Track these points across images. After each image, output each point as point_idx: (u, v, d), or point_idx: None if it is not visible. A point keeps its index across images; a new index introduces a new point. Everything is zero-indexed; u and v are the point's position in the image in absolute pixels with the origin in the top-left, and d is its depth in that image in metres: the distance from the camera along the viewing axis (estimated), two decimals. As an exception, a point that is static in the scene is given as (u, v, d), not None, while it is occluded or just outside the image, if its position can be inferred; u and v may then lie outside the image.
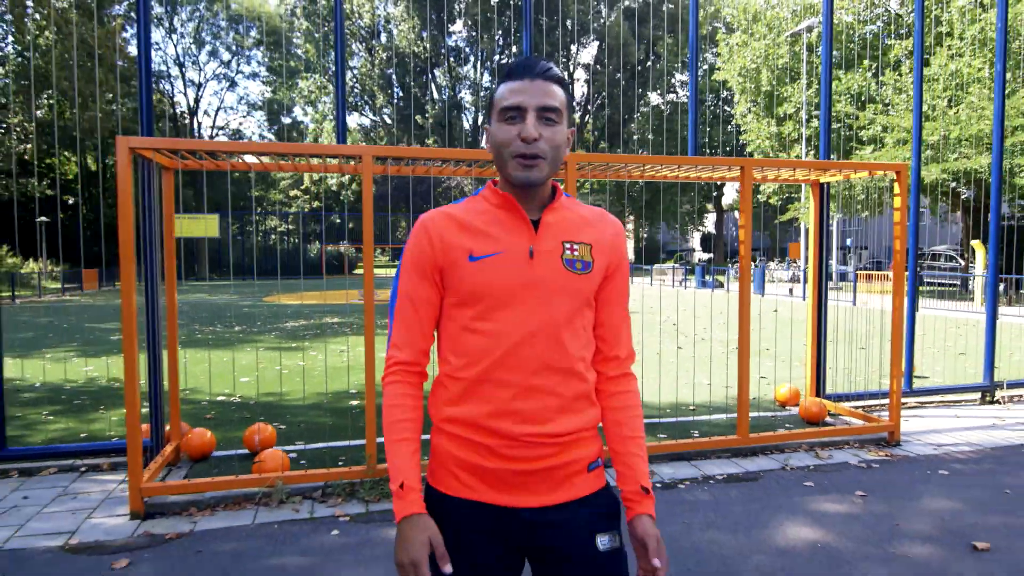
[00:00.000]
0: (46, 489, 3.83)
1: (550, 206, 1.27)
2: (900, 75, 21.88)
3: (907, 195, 4.58)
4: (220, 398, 6.09)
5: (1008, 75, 19.72)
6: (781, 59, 27.98)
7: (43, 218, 31.08)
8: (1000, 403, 5.82)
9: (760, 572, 2.80)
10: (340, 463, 4.11)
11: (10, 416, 5.21)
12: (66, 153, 33.57)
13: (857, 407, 5.32)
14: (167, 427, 4.17)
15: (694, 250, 55.87)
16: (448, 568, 1.12)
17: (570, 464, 1.25)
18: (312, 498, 3.64)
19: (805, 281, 17.39)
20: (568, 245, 1.25)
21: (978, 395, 5.92)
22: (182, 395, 4.91)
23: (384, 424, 1.25)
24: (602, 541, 1.24)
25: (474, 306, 1.23)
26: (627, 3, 45.26)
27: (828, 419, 5.10)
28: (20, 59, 29.43)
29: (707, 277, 26.01)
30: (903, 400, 5.73)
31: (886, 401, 5.24)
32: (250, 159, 4.17)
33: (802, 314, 11.88)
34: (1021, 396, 6.07)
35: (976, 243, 17.94)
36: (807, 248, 5.15)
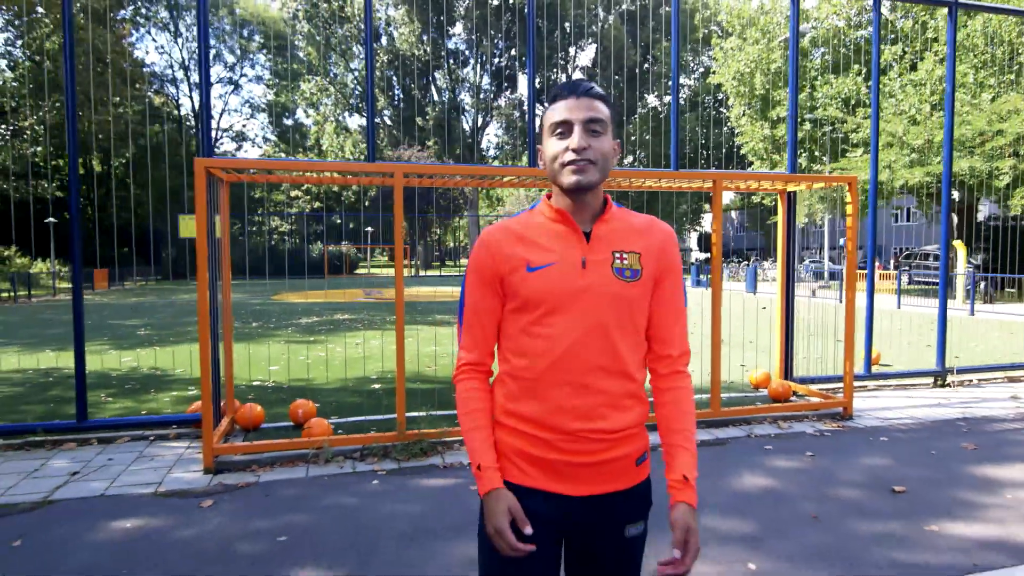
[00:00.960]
0: (125, 453, 4.54)
1: (601, 218, 1.39)
2: (889, 79, 22.56)
3: (858, 203, 5.30)
4: (256, 383, 6.80)
5: (992, 80, 20.43)
6: (774, 63, 28.67)
7: (51, 219, 31.70)
8: (950, 386, 6.54)
9: (718, 507, 3.52)
10: (372, 431, 4.82)
11: (73, 398, 5.93)
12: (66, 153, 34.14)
13: (821, 388, 6.04)
14: (223, 403, 4.88)
15: (691, 250, 56.62)
16: (528, 529, 1.30)
17: (621, 459, 1.37)
18: (352, 458, 4.35)
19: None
20: (618, 254, 1.36)
21: (931, 380, 6.65)
22: (250, 374, 5.62)
23: (459, 415, 1.41)
24: (630, 530, 1.39)
25: (532, 312, 1.34)
26: (624, 7, 45.98)
27: (793, 398, 5.81)
28: (30, 63, 30.12)
29: (701, 276, 26.74)
30: (864, 383, 6.47)
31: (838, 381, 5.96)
32: (292, 173, 4.88)
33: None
34: (971, 380, 6.80)
35: (957, 243, 18.69)
36: (791, 248, 5.82)
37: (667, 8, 44.35)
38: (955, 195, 23.60)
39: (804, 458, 4.33)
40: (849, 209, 5.27)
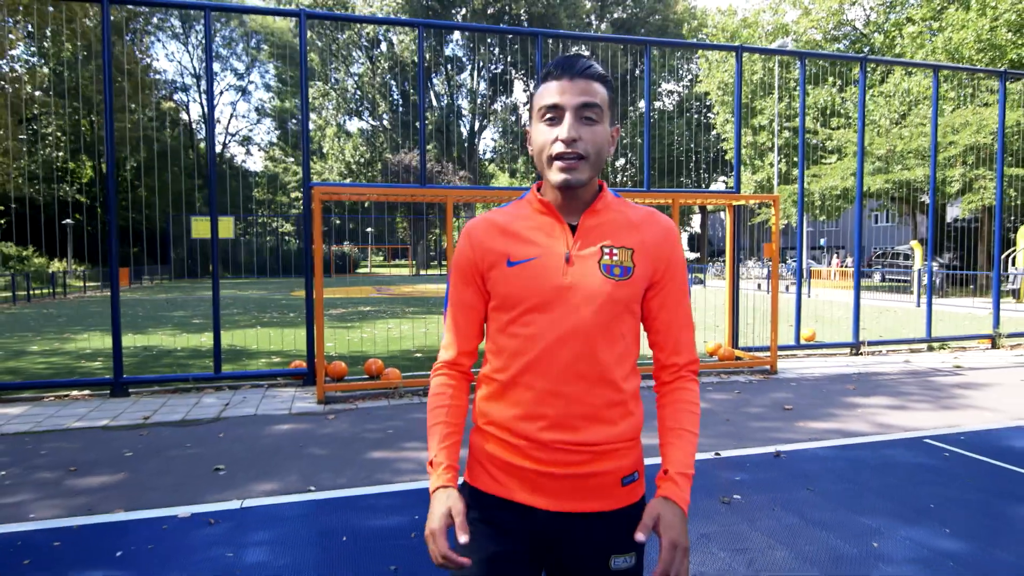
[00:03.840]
0: (253, 394, 6.36)
1: (591, 208, 1.26)
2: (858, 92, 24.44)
3: (779, 218, 7.17)
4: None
5: (952, 93, 22.35)
6: (756, 74, 30.57)
7: (68, 220, 33.30)
8: (862, 355, 8.44)
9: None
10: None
11: (185, 365, 7.75)
12: (83, 157, 35.75)
13: (759, 355, 7.90)
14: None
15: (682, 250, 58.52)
16: (463, 538, 1.15)
17: (601, 475, 1.23)
18: (418, 395, 6.19)
19: (769, 276, 20.08)
20: (607, 250, 1.24)
21: (848, 350, 8.54)
22: (300, 349, 7.45)
23: (427, 413, 1.32)
24: (616, 562, 1.22)
25: (511, 310, 1.25)
26: (616, 15, 47.86)
27: (736, 360, 7.68)
28: (51, 72, 31.71)
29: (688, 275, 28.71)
30: (794, 352, 8.35)
31: (781, 350, 7.86)
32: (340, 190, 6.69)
33: (763, 303, 14.52)
34: (880, 351, 8.70)
35: (914, 243, 20.68)
36: (737, 249, 7.63)
37: (657, 17, 46.38)
38: (924, 198, 25.64)
39: (732, 394, 6.21)
40: (772, 220, 7.13)
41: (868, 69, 25.12)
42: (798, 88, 27.86)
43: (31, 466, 4.23)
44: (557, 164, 1.19)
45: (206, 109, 5.38)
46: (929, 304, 9.01)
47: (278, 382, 6.77)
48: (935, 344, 8.90)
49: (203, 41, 41.33)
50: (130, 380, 6.40)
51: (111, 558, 2.92)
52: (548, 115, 1.20)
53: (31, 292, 21.19)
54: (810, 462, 4.20)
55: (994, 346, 9.03)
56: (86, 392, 6.38)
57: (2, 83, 21.42)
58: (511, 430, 1.25)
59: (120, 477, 4.01)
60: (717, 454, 4.39)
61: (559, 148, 1.18)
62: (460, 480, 1.29)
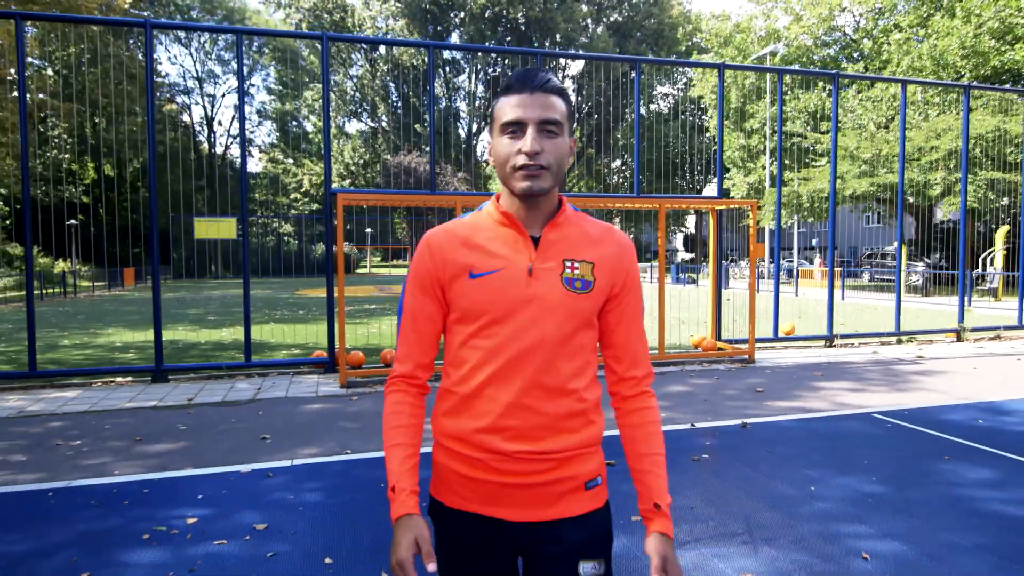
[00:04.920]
0: (282, 380, 7.05)
1: (552, 222, 1.27)
2: (851, 96, 25.26)
3: (756, 223, 7.88)
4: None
5: (938, 99, 23.09)
6: (748, 79, 31.31)
7: (73, 221, 33.89)
8: (835, 347, 9.16)
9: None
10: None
11: (211, 356, 8.44)
12: (87, 159, 36.39)
13: (739, 347, 8.62)
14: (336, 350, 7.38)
15: (677, 250, 59.38)
16: (432, 567, 1.14)
17: (564, 481, 1.26)
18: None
19: (759, 277, 20.90)
20: (569, 263, 1.26)
21: (823, 342, 9.26)
22: (316, 343, 8.14)
23: (383, 431, 1.31)
24: (585, 568, 1.24)
25: (473, 322, 1.25)
26: (612, 18, 48.60)
27: (718, 351, 8.39)
28: (56, 74, 32.33)
29: (681, 275, 29.44)
30: (772, 344, 9.07)
31: (759, 342, 8.57)
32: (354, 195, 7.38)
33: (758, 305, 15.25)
34: (853, 343, 9.42)
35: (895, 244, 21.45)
36: (720, 250, 8.30)
37: (652, 21, 47.16)
38: (911, 199, 26.46)
39: (712, 379, 6.92)
40: (751, 222, 7.85)
41: (858, 71, 25.95)
42: (787, 92, 28.54)
43: (100, 437, 4.91)
44: (520, 173, 1.21)
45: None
46: (898, 300, 9.73)
47: (302, 370, 7.46)
48: (904, 337, 9.63)
49: (204, 47, 41.85)
50: (169, 368, 7.08)
51: (195, 499, 3.61)
52: (511, 129, 1.22)
53: (43, 291, 21.81)
54: (771, 431, 4.92)
55: (959, 339, 9.77)
56: (128, 379, 7.06)
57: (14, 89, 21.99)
58: (473, 443, 1.25)
59: (181, 445, 4.70)
60: (692, 425, 5.10)
61: (522, 160, 1.21)
62: (428, 499, 1.33)
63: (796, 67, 29.11)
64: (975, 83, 15.43)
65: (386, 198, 6.66)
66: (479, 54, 45.02)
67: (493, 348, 1.24)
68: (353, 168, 48.18)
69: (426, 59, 44.88)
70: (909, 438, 4.71)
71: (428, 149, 45.73)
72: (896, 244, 10.86)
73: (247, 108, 61.70)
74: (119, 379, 7.05)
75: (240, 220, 7.18)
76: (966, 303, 11.80)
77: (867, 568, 2.77)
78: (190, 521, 3.31)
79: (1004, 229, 20.41)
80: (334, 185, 48.66)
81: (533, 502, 1.26)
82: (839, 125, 26.22)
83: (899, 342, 9.55)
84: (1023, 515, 3.31)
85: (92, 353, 9.01)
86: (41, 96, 25.34)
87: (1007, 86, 21.39)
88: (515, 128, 1.22)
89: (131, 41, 31.60)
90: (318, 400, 6.13)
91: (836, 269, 29.87)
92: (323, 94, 6.85)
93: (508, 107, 1.23)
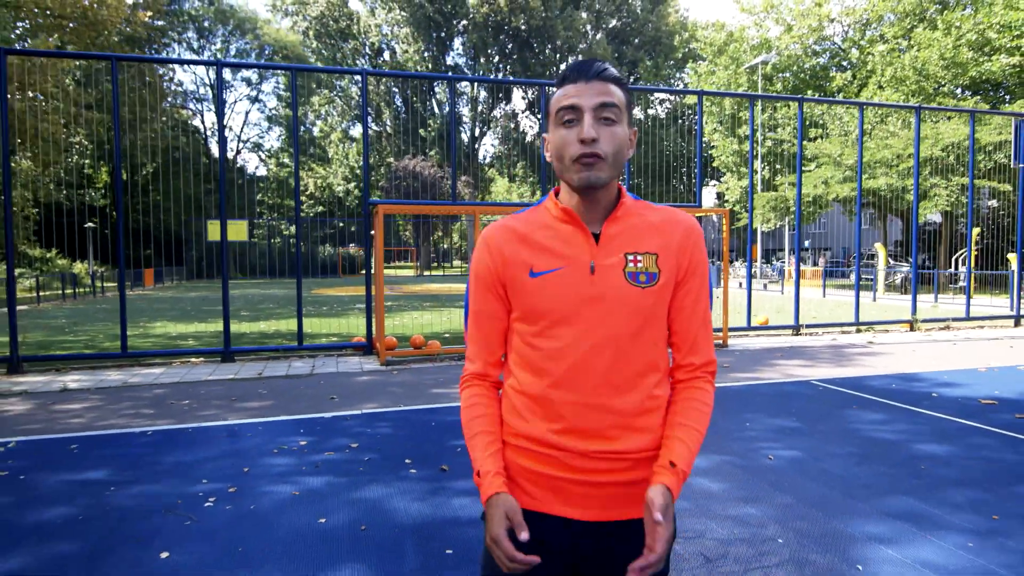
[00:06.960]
0: (329, 360, 8.41)
1: (612, 215, 1.25)
2: (834, 105, 26.63)
3: (729, 230, 9.25)
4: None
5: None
6: (741, 87, 32.68)
7: (90, 224, 35.26)
8: (801, 335, 10.53)
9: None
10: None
11: (262, 342, 9.81)
12: (102, 164, 37.76)
13: (715, 333, 9.98)
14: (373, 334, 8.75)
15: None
16: (524, 535, 1.15)
17: (641, 483, 1.24)
18: (455, 360, 8.25)
19: (751, 276, 22.33)
20: (631, 257, 1.23)
21: (791, 331, 10.64)
22: (355, 329, 9.50)
23: (463, 424, 1.31)
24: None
25: (536, 322, 1.24)
26: (611, 24, 49.96)
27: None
28: (75, 85, 33.73)
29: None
30: (746, 333, 10.44)
31: (734, 331, 9.95)
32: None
33: (739, 297, 16.62)
34: (818, 332, 10.79)
35: (878, 245, 22.84)
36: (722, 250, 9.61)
37: (650, 27, 48.55)
38: (895, 204, 27.84)
39: (688, 359, 8.29)
40: (724, 228, 9.21)
41: (845, 80, 27.36)
42: (779, 101, 29.89)
43: (200, 399, 6.28)
44: (577, 164, 1.18)
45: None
46: (857, 294, 11.10)
47: (344, 352, 8.84)
48: (863, 327, 11.01)
49: (216, 56, 43.20)
50: (236, 350, 8.46)
51: (299, 432, 4.98)
52: (566, 117, 1.20)
53: (76, 291, 23.18)
54: (725, 392, 6.28)
55: (912, 329, 11.14)
56: (201, 359, 8.44)
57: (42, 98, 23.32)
58: (545, 443, 1.24)
59: (268, 403, 6.07)
60: (667, 389, 6.46)
61: (578, 149, 1.18)
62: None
63: (777, 89, 30.54)
64: (922, 104, 16.80)
65: (419, 208, 8.00)
66: (481, 60, 46.39)
67: (559, 348, 1.23)
68: (358, 172, 49.49)
69: (428, 64, 46.34)
70: (834, 396, 6.08)
71: (432, 153, 46.59)
72: (856, 243, 12.17)
73: (257, 114, 62.64)
74: (193, 359, 8.42)
75: (293, 223, 8.48)
76: (936, 299, 13.14)
77: (771, 465, 4.13)
78: (302, 443, 4.68)
79: (976, 231, 21.81)
80: (341, 188, 50.14)
81: (611, 502, 1.25)
82: (827, 131, 27.63)
83: (858, 331, 10.92)
84: (889, 438, 4.68)
85: (155, 340, 10.38)
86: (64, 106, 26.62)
87: (973, 100, 22.77)
88: (571, 115, 1.20)
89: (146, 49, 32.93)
90: (364, 374, 7.50)
91: (818, 269, 31.36)
92: (363, 126, 8.20)
93: (564, 96, 1.21)
